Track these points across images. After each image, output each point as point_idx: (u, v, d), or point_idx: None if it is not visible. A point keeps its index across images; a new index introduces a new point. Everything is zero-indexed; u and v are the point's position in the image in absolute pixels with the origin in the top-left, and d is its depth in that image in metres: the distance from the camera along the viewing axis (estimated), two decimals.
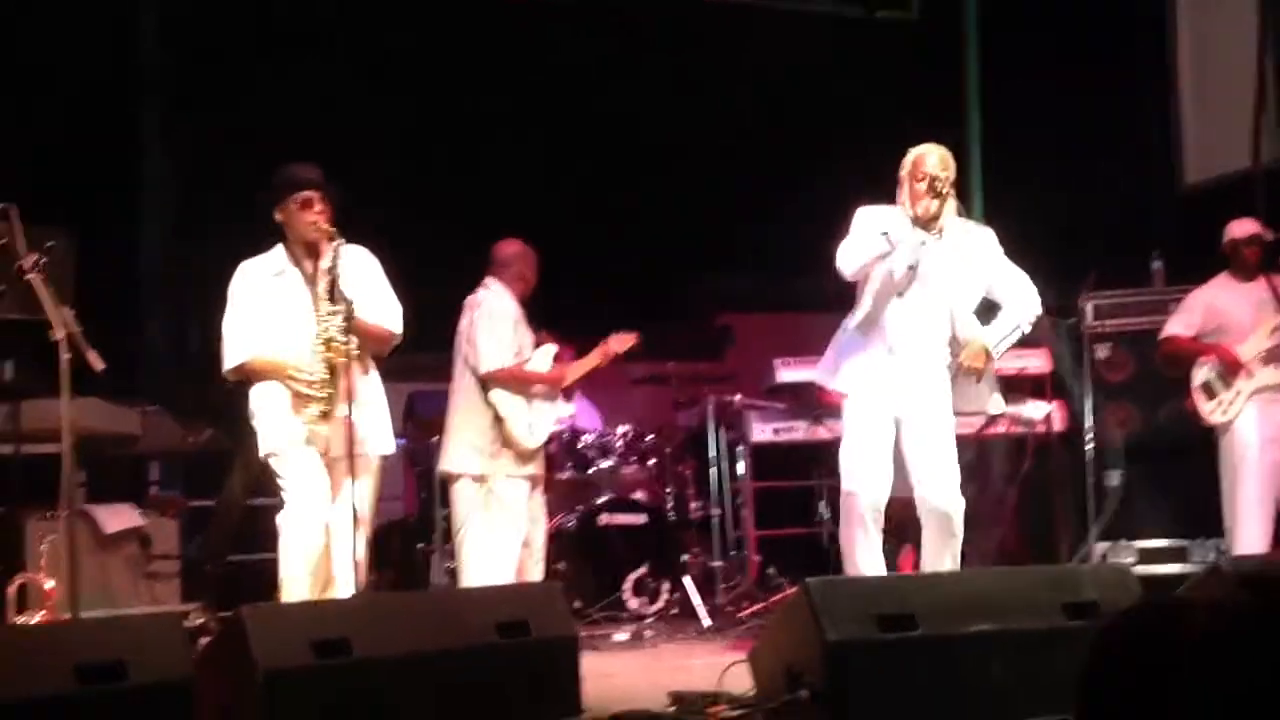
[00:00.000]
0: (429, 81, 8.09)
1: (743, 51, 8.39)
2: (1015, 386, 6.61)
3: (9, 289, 4.62)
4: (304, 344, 4.50)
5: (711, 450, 7.13)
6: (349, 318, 4.37)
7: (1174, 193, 7.92)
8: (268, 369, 4.56)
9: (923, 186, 4.73)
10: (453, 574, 6.29)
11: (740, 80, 8.36)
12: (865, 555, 4.81)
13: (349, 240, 4.54)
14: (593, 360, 5.88)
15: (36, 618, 4.93)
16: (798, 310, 8.63)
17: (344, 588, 4.44)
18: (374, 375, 4.71)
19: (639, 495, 6.86)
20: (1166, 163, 8.00)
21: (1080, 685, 1.34)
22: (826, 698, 3.34)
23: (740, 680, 3.85)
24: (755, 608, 6.51)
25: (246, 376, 4.64)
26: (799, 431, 7.04)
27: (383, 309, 4.67)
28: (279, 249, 4.68)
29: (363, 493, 4.50)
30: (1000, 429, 6.58)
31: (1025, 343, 6.91)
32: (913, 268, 4.78)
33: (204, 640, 4.98)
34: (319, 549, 4.48)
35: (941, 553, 4.79)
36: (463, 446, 5.52)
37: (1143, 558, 6.47)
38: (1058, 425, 6.65)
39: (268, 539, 4.74)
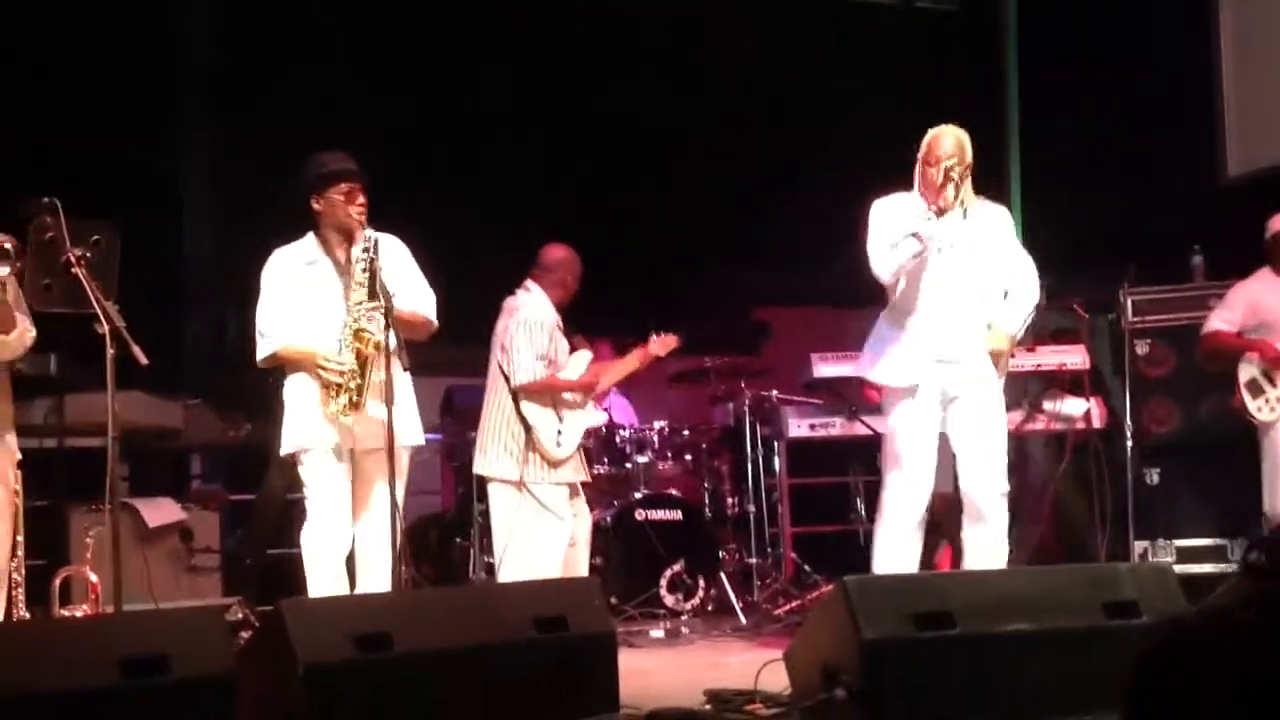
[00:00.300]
0: (456, 78, 8.11)
1: (778, 44, 8.37)
2: (1054, 383, 6.57)
3: (54, 283, 4.67)
4: (334, 333, 4.50)
5: (747, 446, 7.12)
6: (389, 312, 4.36)
7: (1215, 186, 7.84)
8: (298, 358, 4.57)
9: (936, 174, 4.70)
10: (490, 569, 6.33)
11: (775, 69, 8.34)
12: (900, 555, 4.79)
13: (379, 229, 4.56)
14: (630, 364, 5.88)
15: (80, 611, 5.00)
16: (835, 304, 8.60)
17: (383, 582, 4.47)
18: (398, 368, 4.69)
19: (675, 491, 6.87)
20: (1207, 156, 7.92)
21: (1127, 696, 1.34)
22: (863, 696, 3.33)
23: (776, 678, 3.84)
24: (791, 605, 6.50)
25: (280, 365, 4.67)
26: (835, 427, 7.02)
27: (418, 297, 4.67)
28: (310, 238, 4.69)
29: (382, 485, 4.44)
30: (1039, 425, 6.55)
31: (1064, 339, 6.90)
32: (939, 250, 4.77)
33: (244, 634, 5.03)
34: (342, 562, 4.53)
35: (984, 542, 4.77)
36: (497, 450, 5.54)
37: (1182, 556, 6.42)
38: (1097, 422, 6.61)
39: None
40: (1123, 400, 6.71)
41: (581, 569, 5.58)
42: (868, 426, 6.38)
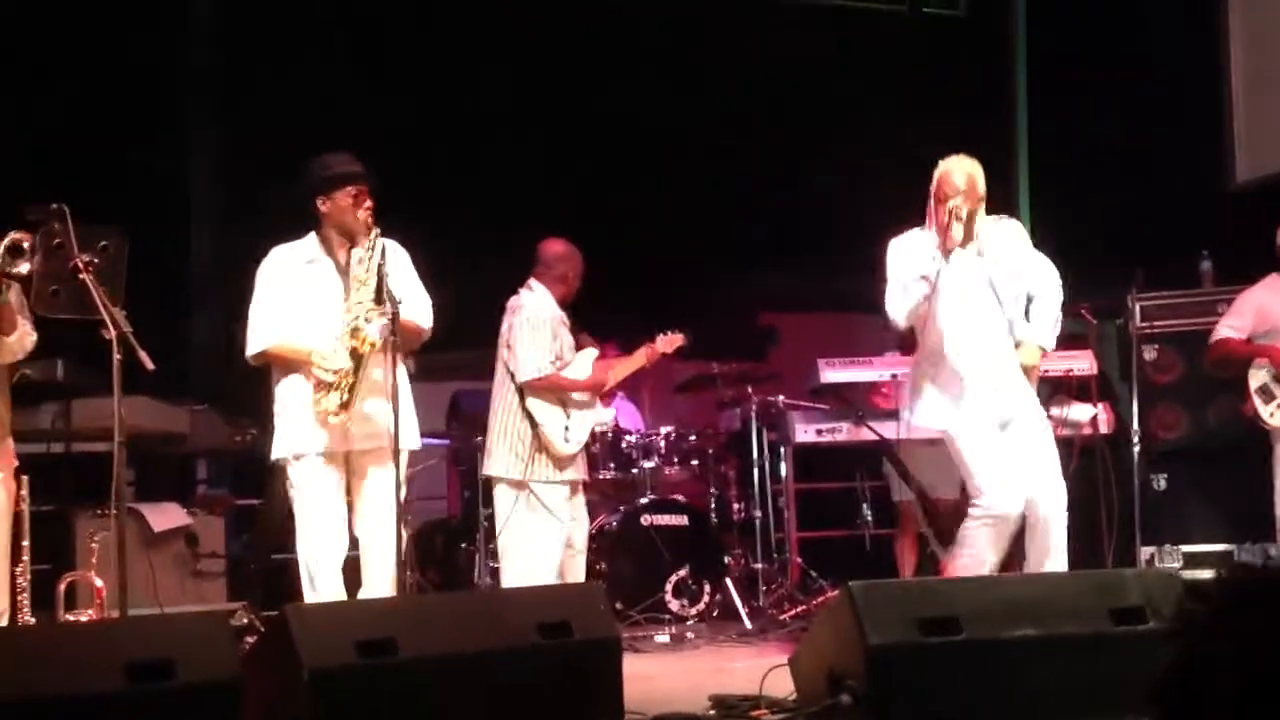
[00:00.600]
0: (460, 78, 8.12)
1: (790, 47, 8.38)
2: (1062, 388, 6.56)
3: (62, 289, 4.67)
4: (331, 333, 4.47)
5: (754, 451, 7.12)
6: (396, 317, 4.35)
7: (1223, 192, 7.83)
8: (293, 356, 4.52)
9: (943, 214, 4.70)
10: (495, 574, 6.32)
11: (787, 76, 8.34)
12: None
13: (384, 233, 4.55)
14: (637, 362, 5.89)
15: (86, 615, 5.01)
16: (842, 310, 8.60)
17: (387, 587, 4.46)
18: (401, 370, 4.68)
19: (681, 496, 6.87)
20: (1215, 161, 7.91)
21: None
22: (869, 702, 3.33)
23: (782, 684, 3.84)
24: (797, 610, 6.49)
25: (269, 363, 4.63)
26: (842, 432, 7.00)
27: (415, 305, 4.64)
28: (311, 237, 4.66)
29: (387, 484, 4.44)
30: None
31: (1072, 344, 6.89)
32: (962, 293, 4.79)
33: (249, 639, 5.03)
34: (339, 569, 4.51)
35: (1048, 558, 4.77)
36: (502, 450, 5.54)
37: (1189, 562, 6.40)
38: (1104, 428, 6.59)
39: None
40: (1130, 406, 6.70)
41: (578, 573, 5.57)
42: (874, 432, 6.36)
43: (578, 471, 5.62)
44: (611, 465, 6.71)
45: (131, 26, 7.34)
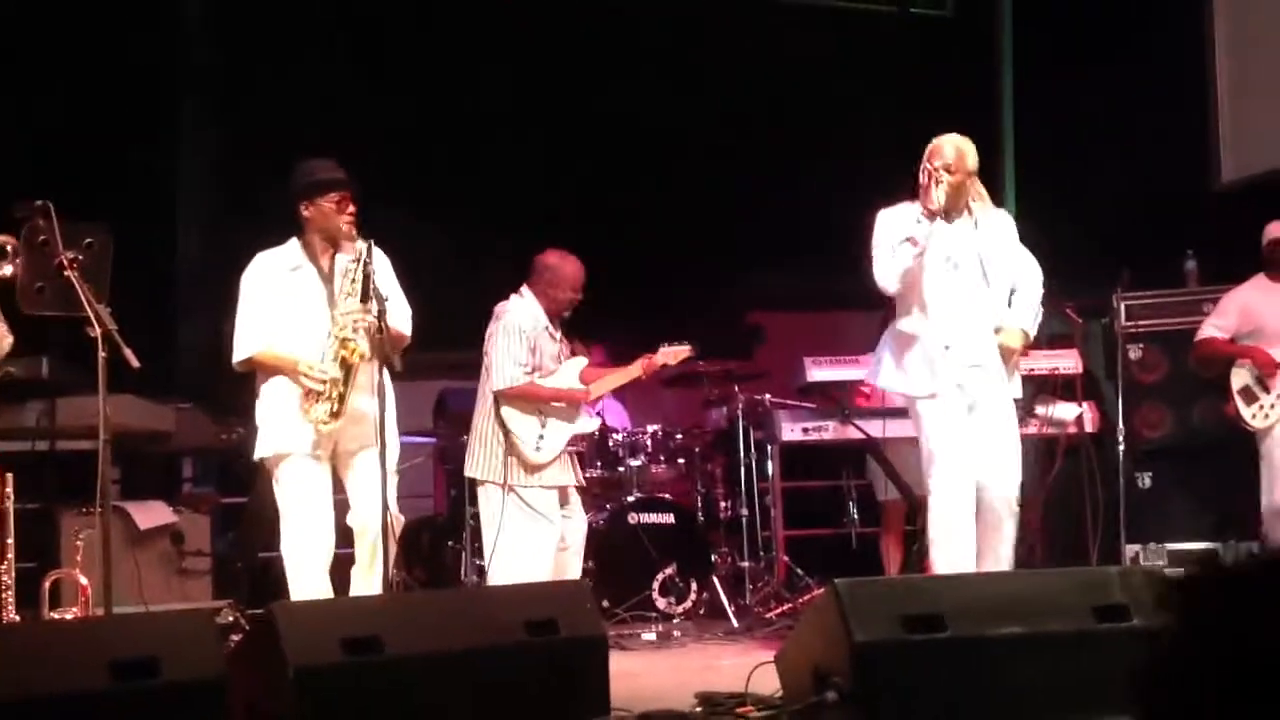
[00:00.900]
0: (456, 79, 8.12)
1: (777, 47, 8.39)
2: (1047, 387, 6.58)
3: (47, 286, 4.66)
4: (317, 341, 4.49)
5: (740, 450, 7.12)
6: (382, 315, 4.37)
7: (1208, 192, 7.86)
8: (279, 364, 4.54)
9: (937, 183, 4.76)
10: (482, 572, 6.31)
11: (773, 76, 8.35)
12: (963, 554, 4.77)
13: (368, 237, 4.55)
14: (630, 373, 5.76)
15: (71, 613, 4.99)
16: (828, 309, 8.62)
17: (374, 584, 4.46)
18: (386, 375, 4.68)
19: (668, 494, 6.87)
20: (1201, 161, 7.94)
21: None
22: (854, 699, 3.33)
23: (768, 681, 3.84)
24: (783, 608, 6.50)
25: (255, 369, 4.64)
26: (828, 431, 7.01)
27: (397, 311, 4.65)
28: (294, 244, 4.67)
29: (371, 484, 4.44)
30: (1032, 430, 6.55)
31: (1057, 343, 6.91)
32: (952, 262, 4.79)
33: (234, 637, 5.03)
34: (325, 568, 4.52)
35: (996, 547, 4.78)
36: (484, 453, 5.53)
37: (1173, 560, 6.43)
38: (1089, 426, 6.61)
39: None
40: (1115, 404, 6.73)
41: (573, 573, 5.55)
42: (861, 430, 6.38)
43: (564, 477, 5.55)
44: (598, 463, 6.72)
45: (126, 26, 7.32)
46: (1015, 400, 5.00)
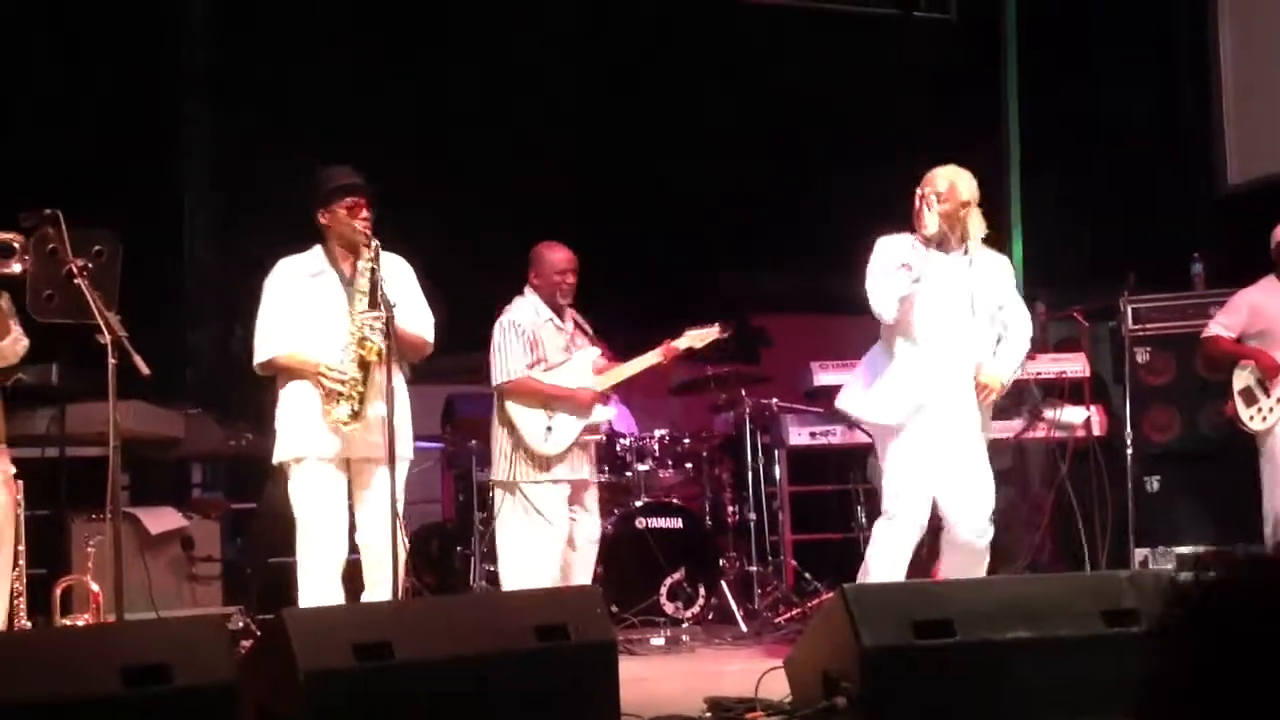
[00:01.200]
0: (459, 80, 8.13)
1: (781, 51, 8.40)
2: (1054, 391, 6.59)
3: (56, 293, 4.69)
4: (337, 344, 4.54)
5: (748, 454, 7.13)
6: (389, 321, 4.41)
7: (1215, 195, 7.86)
8: (299, 367, 4.60)
9: (918, 199, 4.82)
10: (491, 577, 6.32)
11: (777, 79, 8.36)
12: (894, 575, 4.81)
13: (386, 245, 4.60)
14: (649, 360, 5.65)
15: (82, 620, 5.00)
16: (835, 313, 8.61)
17: (383, 590, 4.48)
18: (402, 380, 4.72)
19: (675, 499, 6.86)
20: (1208, 164, 7.94)
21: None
22: (863, 703, 3.34)
23: (777, 686, 3.85)
24: (792, 613, 6.51)
25: (276, 372, 4.69)
26: (836, 435, 7.03)
27: (418, 318, 4.72)
28: (317, 249, 4.74)
29: (384, 492, 4.45)
30: (1039, 433, 6.56)
31: (1065, 346, 6.92)
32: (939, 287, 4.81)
33: (244, 643, 5.04)
34: (338, 574, 4.56)
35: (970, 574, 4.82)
36: (494, 453, 5.55)
37: (1182, 564, 6.42)
38: (1097, 430, 6.61)
39: None
40: (1123, 408, 6.72)
41: (581, 573, 5.52)
42: (867, 435, 6.37)
43: (575, 471, 5.49)
44: (606, 469, 6.71)
45: (130, 30, 7.34)
46: (987, 440, 5.02)
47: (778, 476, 7.25)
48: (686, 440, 6.95)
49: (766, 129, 8.48)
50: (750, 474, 7.12)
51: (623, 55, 8.33)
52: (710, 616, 6.50)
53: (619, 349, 5.94)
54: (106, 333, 4.23)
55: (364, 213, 4.62)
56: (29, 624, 4.72)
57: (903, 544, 4.87)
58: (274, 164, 6.92)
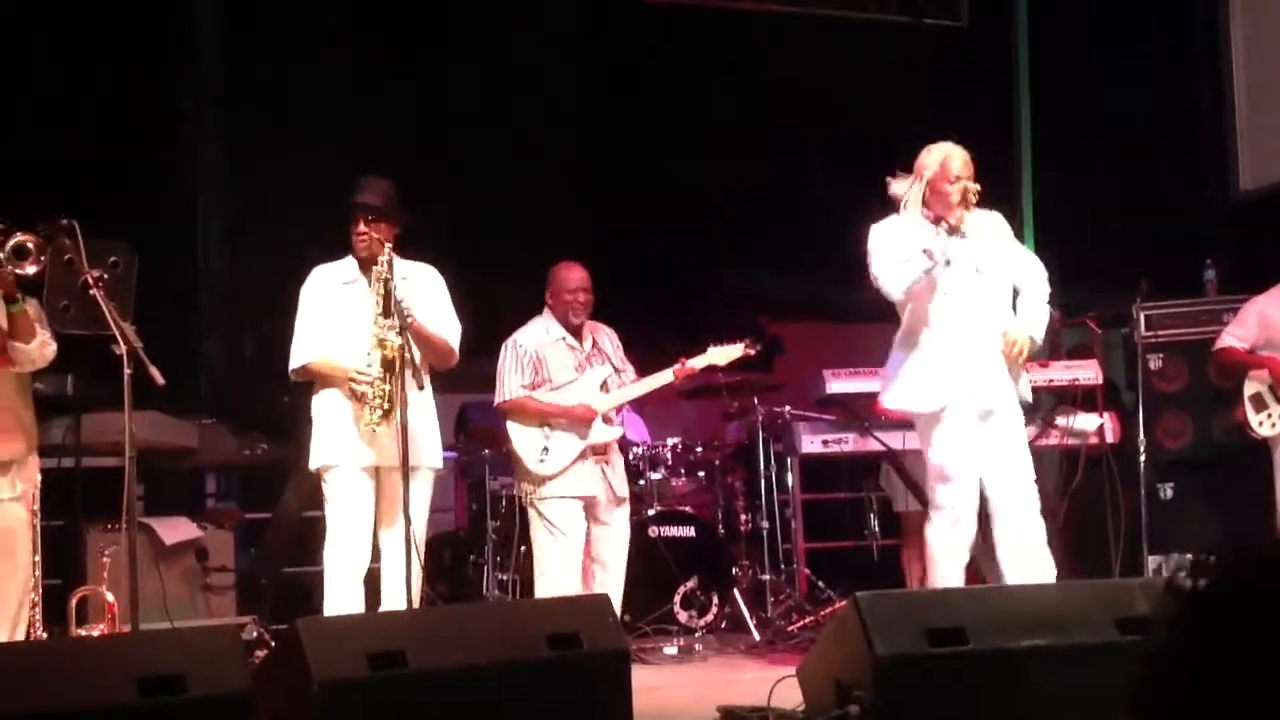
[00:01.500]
0: (459, 80, 8.14)
1: (792, 59, 8.40)
2: (1067, 398, 6.57)
3: (72, 304, 4.73)
4: (363, 349, 4.65)
5: (760, 462, 7.12)
6: (404, 330, 4.49)
7: (1227, 201, 7.85)
8: (330, 372, 4.74)
9: (953, 192, 4.72)
10: (504, 586, 6.34)
11: (788, 87, 8.36)
12: (956, 576, 4.77)
13: (406, 256, 4.72)
14: (659, 380, 5.65)
15: (97, 630, 5.02)
16: (847, 320, 8.61)
17: (398, 600, 4.51)
18: (428, 389, 4.81)
19: (688, 508, 6.87)
20: (1220, 170, 7.93)
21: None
22: (876, 712, 3.34)
23: (790, 695, 3.85)
24: (805, 621, 6.50)
25: (310, 379, 4.83)
26: (848, 443, 7.00)
27: (443, 327, 4.82)
28: (350, 258, 4.89)
29: (419, 507, 4.65)
30: (1052, 441, 6.54)
31: (1077, 353, 6.90)
32: (948, 262, 4.77)
33: (259, 653, 5.06)
34: (360, 578, 4.65)
35: (1020, 553, 4.74)
36: (514, 465, 5.64)
37: (1184, 569, 6.38)
38: (1110, 437, 6.59)
39: (322, 552, 4.82)
40: (1136, 415, 6.70)
41: (604, 585, 5.44)
42: (880, 442, 6.37)
43: (587, 487, 5.50)
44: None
45: (130, 28, 7.36)
46: (1024, 404, 4.96)
47: (790, 484, 7.25)
48: (699, 448, 6.95)
49: (770, 129, 8.48)
50: (763, 482, 7.11)
51: (623, 55, 8.34)
52: (723, 625, 6.50)
53: (631, 358, 5.96)
54: (122, 343, 4.26)
55: (361, 226, 4.76)
56: (45, 634, 4.74)
57: (961, 541, 4.77)
58: (288, 177, 6.96)
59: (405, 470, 4.42)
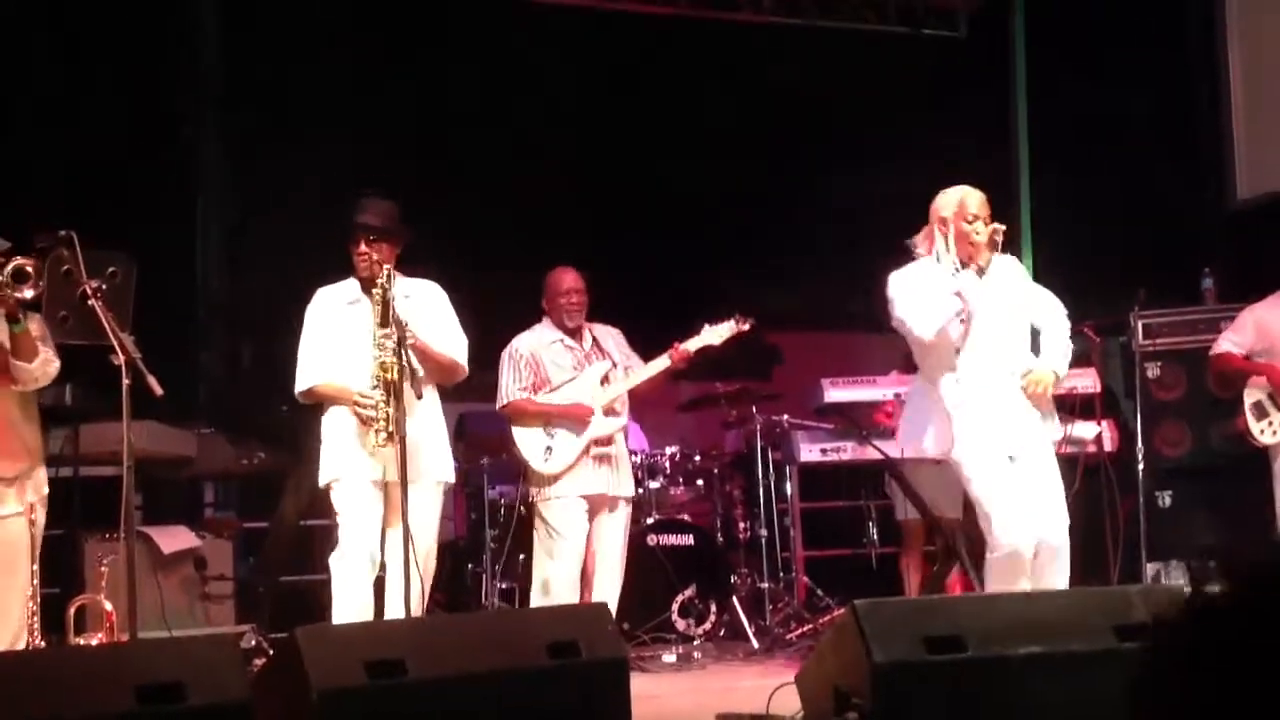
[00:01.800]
0: (459, 80, 8.14)
1: (791, 69, 8.41)
2: (1066, 406, 6.57)
3: (71, 314, 4.73)
4: (367, 370, 4.67)
5: (759, 471, 7.13)
6: (401, 342, 4.50)
7: (1225, 209, 7.85)
8: (334, 394, 4.78)
9: (978, 233, 4.71)
10: (503, 594, 6.35)
11: (786, 97, 8.37)
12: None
13: (407, 262, 4.76)
14: (656, 366, 5.61)
15: (96, 639, 5.02)
16: (845, 329, 8.62)
17: (399, 611, 4.52)
18: (435, 403, 4.86)
19: (687, 516, 6.87)
20: (1217, 179, 7.94)
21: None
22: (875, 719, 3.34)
23: (788, 702, 3.85)
24: (803, 629, 6.50)
25: (317, 401, 4.87)
26: (847, 451, 7.01)
27: (449, 342, 4.84)
28: (353, 279, 4.91)
29: (424, 519, 4.67)
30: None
31: (1076, 362, 6.90)
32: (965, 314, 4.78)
33: (257, 661, 5.06)
34: (369, 588, 4.67)
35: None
36: (520, 467, 5.69)
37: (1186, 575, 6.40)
38: (1109, 445, 6.59)
39: (320, 560, 4.85)
40: (1134, 423, 6.71)
41: (602, 584, 5.50)
42: (879, 451, 6.38)
43: (591, 485, 5.53)
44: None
45: (130, 28, 7.36)
46: (1054, 441, 4.96)
47: (789, 493, 7.26)
48: (697, 457, 6.96)
49: (769, 133, 8.49)
50: (761, 490, 7.12)
51: (622, 57, 8.35)
52: (722, 633, 6.51)
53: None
54: (120, 354, 4.27)
55: (360, 247, 4.79)
56: (43, 643, 4.73)
57: (1017, 571, 4.72)
58: (287, 188, 6.96)
59: (403, 480, 4.43)
